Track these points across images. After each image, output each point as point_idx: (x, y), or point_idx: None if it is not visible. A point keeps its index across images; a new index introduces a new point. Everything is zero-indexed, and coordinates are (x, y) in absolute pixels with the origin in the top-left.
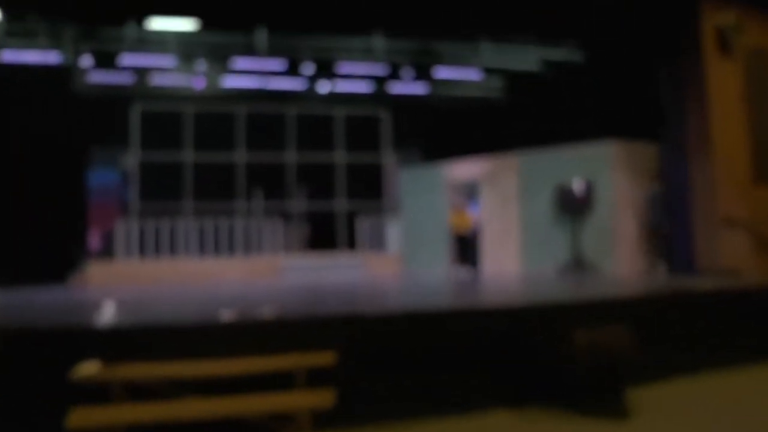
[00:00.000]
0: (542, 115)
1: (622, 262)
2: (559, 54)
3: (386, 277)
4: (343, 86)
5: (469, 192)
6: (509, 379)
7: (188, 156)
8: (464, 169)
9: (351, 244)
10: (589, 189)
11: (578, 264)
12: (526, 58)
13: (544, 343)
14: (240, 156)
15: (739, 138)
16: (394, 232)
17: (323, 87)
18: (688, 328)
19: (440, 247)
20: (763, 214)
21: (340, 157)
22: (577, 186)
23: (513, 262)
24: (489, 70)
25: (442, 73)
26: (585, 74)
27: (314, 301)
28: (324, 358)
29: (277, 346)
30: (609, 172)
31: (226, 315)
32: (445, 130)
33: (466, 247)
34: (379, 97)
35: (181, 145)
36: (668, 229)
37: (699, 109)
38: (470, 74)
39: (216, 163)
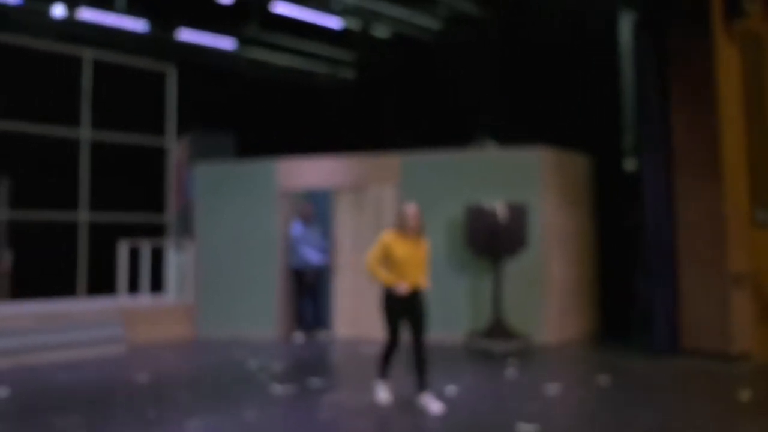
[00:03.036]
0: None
1: (550, 329)
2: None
3: (150, 357)
4: (97, 17)
5: (308, 208)
6: None
7: None
8: (308, 171)
9: (103, 284)
10: (521, 215)
11: (500, 329)
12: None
13: None
14: None
15: (738, 154)
16: (181, 266)
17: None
18: None
19: (265, 294)
20: (762, 264)
21: (85, 132)
22: (500, 210)
23: None
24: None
25: (280, 7)
26: (488, 42)
27: None
28: None
29: None
30: (538, 192)
31: None
32: (275, 109)
33: (310, 293)
34: (163, 44)
35: None
36: (642, 286)
37: (700, 104)
38: (327, 21)
39: None
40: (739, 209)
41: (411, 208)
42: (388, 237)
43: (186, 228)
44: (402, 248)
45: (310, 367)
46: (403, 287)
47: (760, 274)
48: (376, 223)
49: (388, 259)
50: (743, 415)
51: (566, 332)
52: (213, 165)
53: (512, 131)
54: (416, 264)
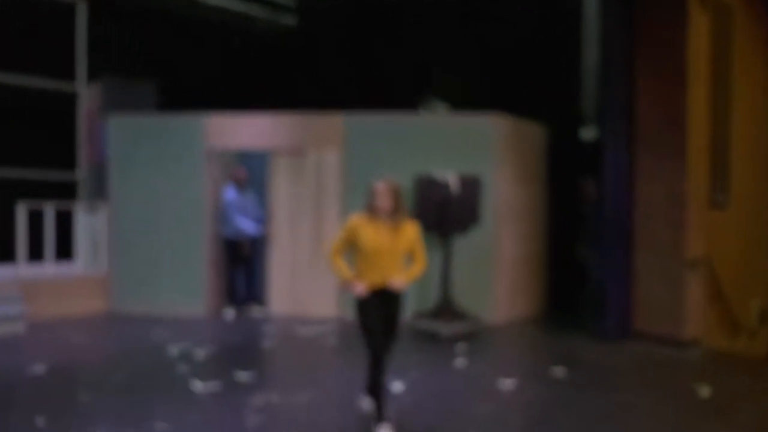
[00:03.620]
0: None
1: (499, 309)
2: None
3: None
4: None
5: (241, 172)
6: None
7: None
8: (242, 129)
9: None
10: (474, 188)
11: (448, 310)
12: None
13: None
14: None
15: (703, 133)
16: (93, 231)
17: None
18: None
19: (191, 264)
20: (718, 247)
21: None
22: (452, 182)
23: (328, 299)
24: None
25: None
26: None
27: None
28: None
29: None
30: (493, 162)
31: None
32: (205, 57)
33: (244, 266)
34: None
35: None
36: (593, 267)
37: (667, 77)
38: None
39: None
40: (699, 191)
41: (381, 185)
42: (355, 220)
43: (100, 188)
44: (370, 234)
45: (240, 353)
46: (358, 288)
47: (714, 258)
48: (317, 192)
49: (353, 247)
50: (704, 415)
51: (515, 312)
52: (130, 117)
53: (466, 95)
54: (390, 256)
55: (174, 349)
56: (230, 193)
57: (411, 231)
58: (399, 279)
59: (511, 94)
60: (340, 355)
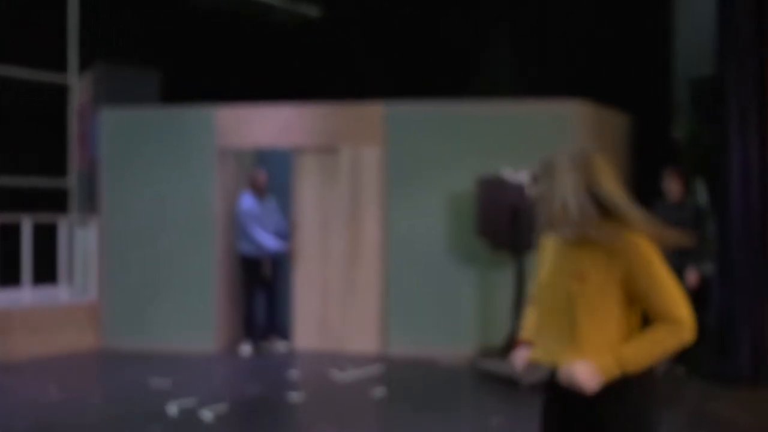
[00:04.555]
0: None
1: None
2: None
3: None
4: None
5: (261, 176)
6: None
7: None
8: (260, 123)
9: None
10: None
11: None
12: None
13: None
14: None
15: None
16: (83, 249)
17: None
18: None
19: (199, 289)
20: None
21: None
22: (527, 183)
23: (368, 331)
24: None
25: None
26: None
27: None
28: None
29: None
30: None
31: None
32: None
33: (265, 290)
34: None
35: None
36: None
37: None
38: None
39: None
40: None
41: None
42: (546, 239)
43: (92, 197)
44: (549, 262)
45: (259, 413)
46: (518, 359)
47: None
48: (352, 197)
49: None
50: None
51: None
52: (126, 110)
53: (531, 78)
54: (557, 307)
55: (174, 406)
56: (247, 202)
57: (623, 255)
58: (578, 365)
59: (584, 78)
60: (395, 414)
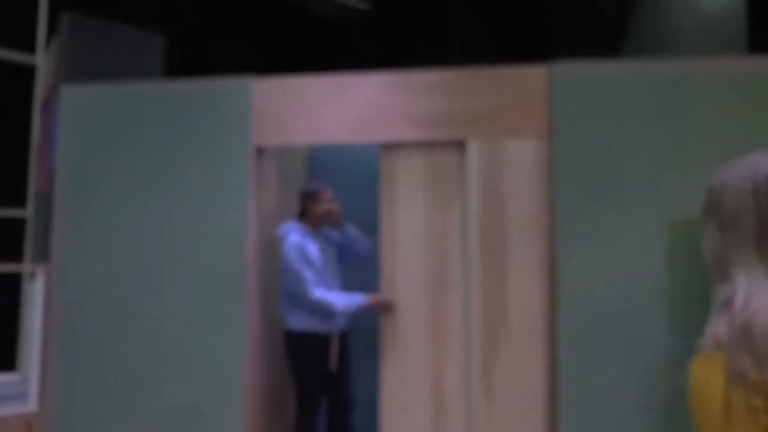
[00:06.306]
0: None
1: None
2: None
3: None
4: None
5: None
6: None
7: None
8: (325, 105)
9: None
10: None
11: None
12: None
13: None
14: None
15: None
16: (28, 321)
17: None
18: None
19: (217, 402)
20: None
21: None
22: None
23: None
24: None
25: None
26: None
27: None
28: None
29: None
30: None
31: None
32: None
33: (332, 398)
34: None
35: None
36: None
37: None
38: None
39: None
40: None
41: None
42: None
43: (47, 234)
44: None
45: None
46: None
47: None
48: (489, 222)
49: None
50: None
51: None
52: (99, 87)
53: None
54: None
55: None
56: (294, 238)
57: None
58: None
59: None
60: None
